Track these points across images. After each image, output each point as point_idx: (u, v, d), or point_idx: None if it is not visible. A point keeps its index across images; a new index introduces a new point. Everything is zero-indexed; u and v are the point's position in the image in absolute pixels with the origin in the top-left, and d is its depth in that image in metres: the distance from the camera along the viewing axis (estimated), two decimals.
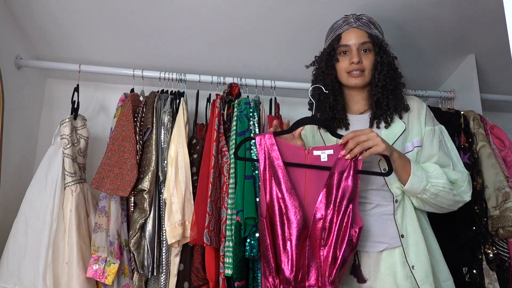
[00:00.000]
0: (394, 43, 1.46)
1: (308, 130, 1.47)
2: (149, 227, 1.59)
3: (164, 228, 1.59)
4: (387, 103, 1.32)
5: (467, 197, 1.24)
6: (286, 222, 1.15)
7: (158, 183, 1.65)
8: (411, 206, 1.24)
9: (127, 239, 1.62)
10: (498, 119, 2.05)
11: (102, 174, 1.61)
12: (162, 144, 1.69)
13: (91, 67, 1.86)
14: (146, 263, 1.56)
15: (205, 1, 1.71)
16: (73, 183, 1.63)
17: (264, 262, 1.19)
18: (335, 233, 1.11)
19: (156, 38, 1.88)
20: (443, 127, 1.36)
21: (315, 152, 1.21)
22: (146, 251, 1.57)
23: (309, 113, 1.52)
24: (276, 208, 1.16)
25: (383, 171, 1.21)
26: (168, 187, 1.60)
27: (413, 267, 1.16)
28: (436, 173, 1.19)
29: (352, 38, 1.33)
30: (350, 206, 1.13)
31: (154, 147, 1.66)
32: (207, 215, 1.52)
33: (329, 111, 1.36)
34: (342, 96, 1.39)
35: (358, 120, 1.36)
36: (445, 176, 1.19)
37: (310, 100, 1.33)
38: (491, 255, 1.59)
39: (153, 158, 1.65)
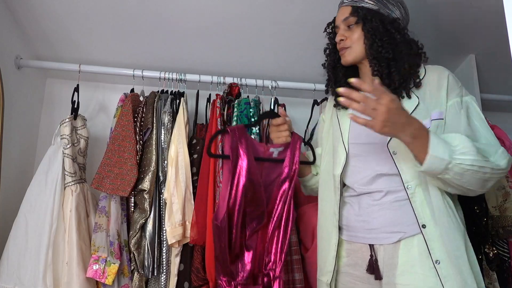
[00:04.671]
0: None
1: (327, 110, 1.45)
2: (149, 227, 1.59)
3: (164, 228, 1.60)
4: (388, 76, 1.19)
5: (503, 164, 1.03)
6: (248, 220, 1.23)
7: (159, 183, 1.65)
8: (437, 191, 1.10)
9: (127, 239, 1.62)
10: (498, 119, 2.05)
11: (102, 174, 1.61)
12: (162, 144, 1.69)
13: (91, 67, 1.86)
14: (146, 263, 1.56)
15: (205, 1, 1.71)
16: (73, 183, 1.63)
17: (218, 265, 1.25)
18: (284, 215, 1.26)
19: (156, 38, 1.88)
20: (473, 98, 1.18)
21: (271, 149, 1.33)
22: (146, 251, 1.57)
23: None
24: (238, 205, 1.20)
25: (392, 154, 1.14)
26: (168, 187, 1.60)
27: (437, 261, 1.03)
28: (463, 146, 1.01)
29: (338, 17, 1.32)
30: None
31: (154, 147, 1.66)
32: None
33: (335, 90, 1.34)
34: (349, 74, 1.33)
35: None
36: (475, 150, 1.00)
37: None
38: (491, 255, 1.59)
39: (153, 158, 1.65)
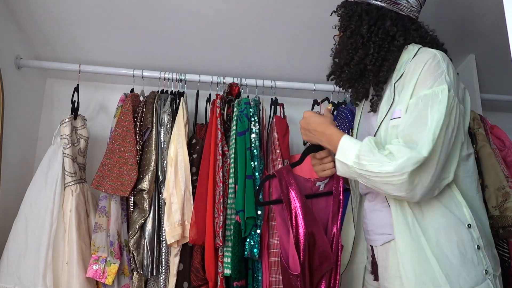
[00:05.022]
0: None
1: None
2: (148, 227, 1.59)
3: (163, 228, 1.60)
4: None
5: (390, 168, 0.91)
6: (317, 265, 1.12)
7: (158, 183, 1.65)
8: (395, 201, 1.03)
9: (127, 239, 1.62)
10: (498, 119, 2.05)
11: (102, 174, 1.61)
12: (162, 144, 1.69)
13: (91, 67, 1.86)
14: (145, 263, 1.56)
15: (206, 1, 1.71)
16: (73, 183, 1.63)
17: None
18: (337, 257, 1.15)
19: (156, 38, 1.88)
20: (443, 89, 0.96)
21: (317, 183, 1.29)
22: (145, 251, 1.57)
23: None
24: (303, 247, 1.11)
25: None
26: (167, 187, 1.60)
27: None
28: (360, 150, 0.96)
29: None
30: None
31: (154, 147, 1.67)
32: (214, 217, 1.55)
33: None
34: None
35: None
36: (367, 154, 0.95)
37: None
38: None
39: (153, 158, 1.65)
